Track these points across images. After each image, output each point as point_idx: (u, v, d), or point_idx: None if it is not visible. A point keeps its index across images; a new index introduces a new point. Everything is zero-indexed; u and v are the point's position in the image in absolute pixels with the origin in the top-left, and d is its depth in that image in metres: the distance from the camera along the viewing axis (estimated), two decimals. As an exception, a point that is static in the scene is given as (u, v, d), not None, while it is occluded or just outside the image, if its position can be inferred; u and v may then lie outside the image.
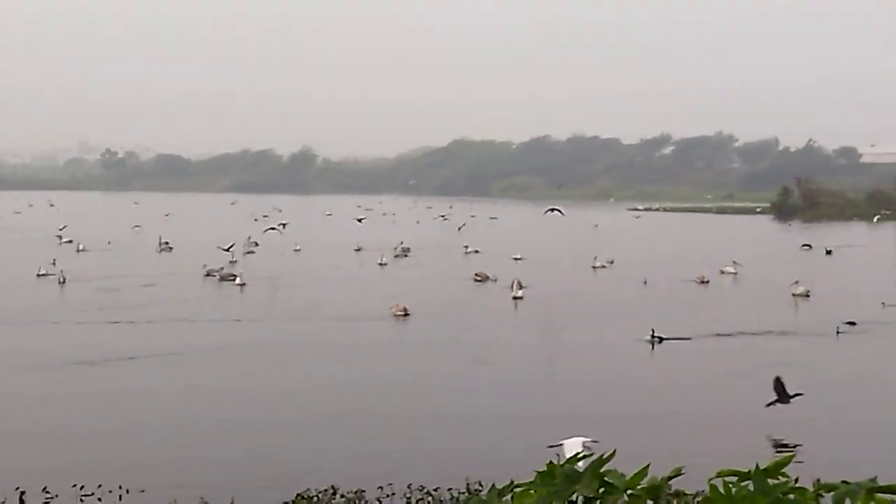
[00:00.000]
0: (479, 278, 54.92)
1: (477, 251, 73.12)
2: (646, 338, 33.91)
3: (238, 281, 50.80)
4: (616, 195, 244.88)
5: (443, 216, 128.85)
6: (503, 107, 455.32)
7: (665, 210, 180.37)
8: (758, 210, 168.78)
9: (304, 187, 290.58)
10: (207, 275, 54.85)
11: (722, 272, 59.95)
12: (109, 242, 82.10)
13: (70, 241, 77.40)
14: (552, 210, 74.41)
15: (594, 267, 62.50)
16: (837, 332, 36.58)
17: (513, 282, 49.08)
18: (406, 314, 40.89)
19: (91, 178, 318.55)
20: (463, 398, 26.63)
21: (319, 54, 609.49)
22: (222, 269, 56.18)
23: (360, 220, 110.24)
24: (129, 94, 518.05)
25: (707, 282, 54.90)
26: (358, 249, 74.08)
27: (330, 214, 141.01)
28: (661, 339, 33.80)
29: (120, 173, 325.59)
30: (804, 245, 77.35)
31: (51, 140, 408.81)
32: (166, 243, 75.00)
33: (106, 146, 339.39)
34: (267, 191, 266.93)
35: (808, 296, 48.35)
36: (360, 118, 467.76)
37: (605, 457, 3.59)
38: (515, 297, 46.47)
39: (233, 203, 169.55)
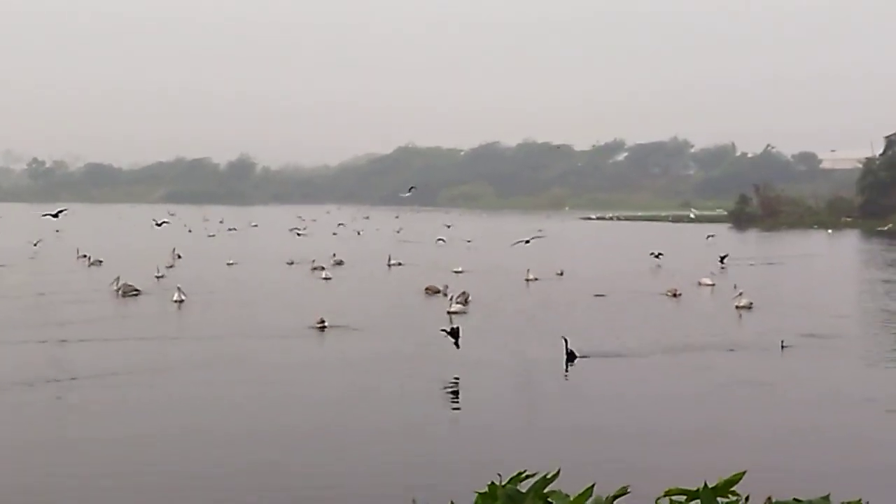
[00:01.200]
0: (430, 291, 54.52)
1: (400, 263, 73.54)
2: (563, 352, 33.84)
3: (176, 297, 50.04)
4: (569, 203, 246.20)
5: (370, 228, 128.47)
6: (450, 112, 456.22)
7: (619, 219, 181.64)
8: (689, 216, 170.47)
9: (242, 197, 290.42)
10: (118, 290, 54.17)
11: (700, 284, 60.21)
12: (35, 254, 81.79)
13: None
14: (525, 241, 73.33)
15: (527, 280, 62.41)
16: (782, 347, 36.75)
17: (451, 295, 49.03)
18: (324, 326, 41.01)
19: (17, 189, 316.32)
20: (374, 412, 26.36)
21: (257, 53, 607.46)
22: (122, 282, 55.07)
23: (298, 233, 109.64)
24: (55, 98, 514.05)
25: (679, 294, 54.50)
26: (291, 263, 73.58)
27: (256, 225, 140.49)
28: (574, 356, 33.92)
29: (47, 183, 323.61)
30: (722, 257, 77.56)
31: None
32: (98, 260, 73.75)
33: (32, 155, 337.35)
34: (204, 201, 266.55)
35: (750, 307, 48.84)
36: (301, 123, 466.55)
37: (548, 476, 3.60)
38: (451, 312, 46.15)
39: (172, 214, 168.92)
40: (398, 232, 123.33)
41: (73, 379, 30.40)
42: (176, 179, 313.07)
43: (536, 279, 62.29)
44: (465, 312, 46.63)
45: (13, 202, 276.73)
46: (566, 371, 32.40)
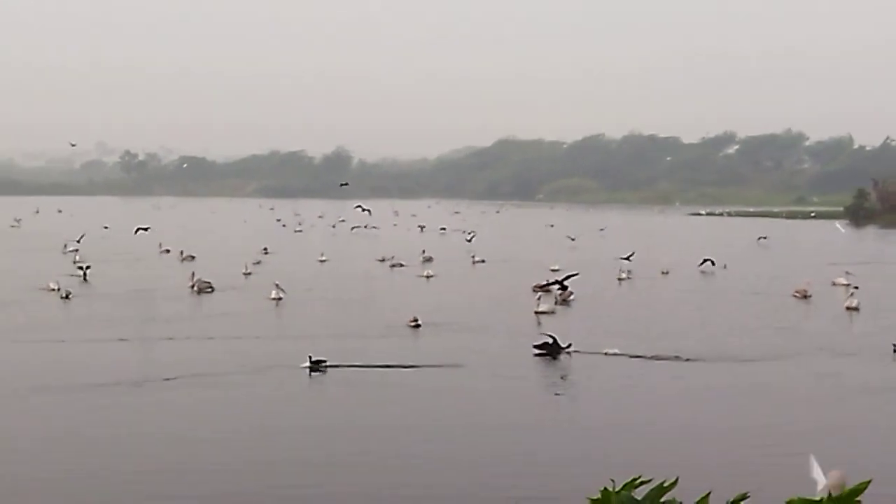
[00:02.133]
0: (537, 289, 53.70)
1: (483, 260, 73.18)
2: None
3: (275, 294, 50.32)
4: (677, 198, 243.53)
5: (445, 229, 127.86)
6: (553, 104, 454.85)
7: (730, 215, 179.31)
8: (812, 214, 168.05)
9: (338, 191, 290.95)
10: (193, 287, 54.90)
11: (834, 284, 58.89)
12: (131, 250, 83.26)
13: (76, 250, 77.50)
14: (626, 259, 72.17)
15: (620, 279, 61.89)
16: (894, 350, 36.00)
17: (538, 294, 48.73)
18: (418, 325, 41.24)
19: (109, 183, 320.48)
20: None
21: (355, 44, 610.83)
22: (198, 278, 55.76)
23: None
24: (148, 90, 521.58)
25: (809, 295, 53.11)
26: (382, 260, 73.28)
27: (343, 220, 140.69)
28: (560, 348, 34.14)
29: (140, 177, 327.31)
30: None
31: (67, 141, 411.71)
32: (190, 256, 74.75)
33: (125, 147, 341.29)
34: (298, 195, 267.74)
35: (858, 309, 48.01)
36: (398, 116, 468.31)
37: (665, 485, 3.56)
38: (539, 312, 45.86)
39: (271, 208, 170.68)
40: (501, 228, 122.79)
41: (173, 378, 30.68)
42: (270, 173, 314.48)
43: (629, 278, 61.75)
44: (553, 312, 46.39)
45: (105, 195, 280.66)
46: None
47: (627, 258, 70.22)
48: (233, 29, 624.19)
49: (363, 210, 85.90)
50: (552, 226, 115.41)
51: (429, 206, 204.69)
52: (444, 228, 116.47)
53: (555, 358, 34.24)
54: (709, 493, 3.61)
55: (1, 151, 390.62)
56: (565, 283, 47.27)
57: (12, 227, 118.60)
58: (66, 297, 49.77)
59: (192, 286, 54.59)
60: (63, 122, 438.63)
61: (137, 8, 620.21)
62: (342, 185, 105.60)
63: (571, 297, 50.86)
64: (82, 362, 33.55)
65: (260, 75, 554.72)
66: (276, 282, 51.53)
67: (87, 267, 58.33)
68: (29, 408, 27.12)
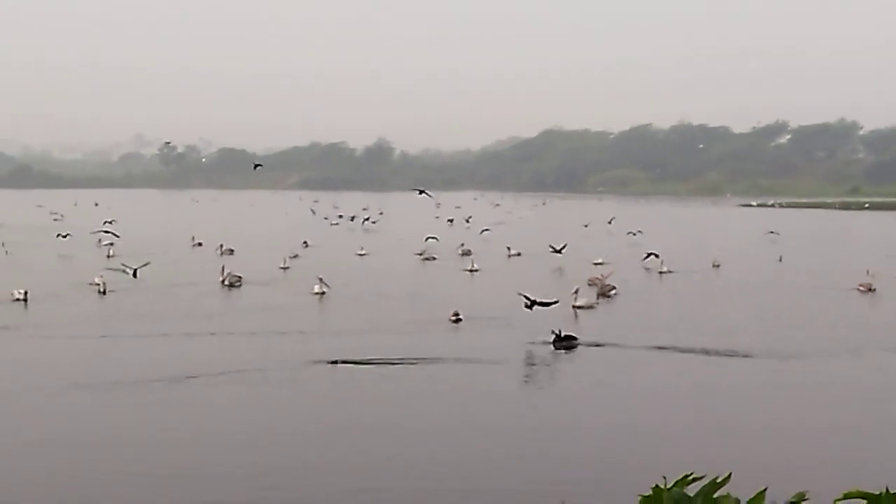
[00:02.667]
0: (591, 283, 53.04)
1: (520, 254, 73.09)
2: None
3: (318, 289, 50.22)
4: (728, 189, 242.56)
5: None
6: (599, 94, 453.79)
7: (781, 206, 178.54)
8: (866, 205, 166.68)
9: (380, 183, 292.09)
10: (223, 282, 54.88)
11: None
12: (169, 244, 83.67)
13: (111, 244, 77.80)
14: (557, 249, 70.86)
15: (661, 272, 61.26)
16: None
17: (576, 287, 48.02)
18: (459, 319, 41.16)
19: (148, 175, 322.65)
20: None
21: (395, 43, 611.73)
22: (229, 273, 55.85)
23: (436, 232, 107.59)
24: (187, 81, 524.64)
25: (873, 289, 52.06)
26: (421, 254, 72.79)
27: (381, 213, 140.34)
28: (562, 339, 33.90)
29: (179, 169, 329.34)
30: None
31: (105, 133, 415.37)
32: (230, 249, 74.96)
33: (163, 139, 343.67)
34: (339, 187, 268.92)
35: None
36: (441, 107, 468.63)
37: (718, 480, 3.56)
38: (577, 307, 45.38)
39: (316, 201, 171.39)
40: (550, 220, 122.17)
41: (216, 374, 30.49)
42: (311, 165, 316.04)
43: (671, 272, 61.10)
44: (593, 307, 45.92)
45: (143, 188, 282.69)
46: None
47: (559, 250, 69.16)
48: (271, 28, 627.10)
49: (421, 193, 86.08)
50: (612, 221, 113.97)
51: (475, 199, 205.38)
52: (469, 218, 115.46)
53: (568, 350, 33.77)
54: (764, 490, 3.55)
55: (38, 144, 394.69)
56: (540, 303, 44.58)
57: (55, 220, 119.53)
58: (103, 292, 49.73)
59: (223, 281, 54.71)
60: (101, 114, 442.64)
61: (167, 8, 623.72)
62: (256, 166, 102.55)
63: (613, 291, 50.35)
64: (120, 358, 33.44)
65: (302, 70, 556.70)
66: (320, 276, 51.45)
67: (143, 264, 58.24)
68: (65, 405, 26.97)
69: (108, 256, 68.55)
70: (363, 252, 72.80)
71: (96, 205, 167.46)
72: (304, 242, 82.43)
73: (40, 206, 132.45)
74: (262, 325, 40.51)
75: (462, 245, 75.89)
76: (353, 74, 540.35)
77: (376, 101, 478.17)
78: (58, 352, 34.73)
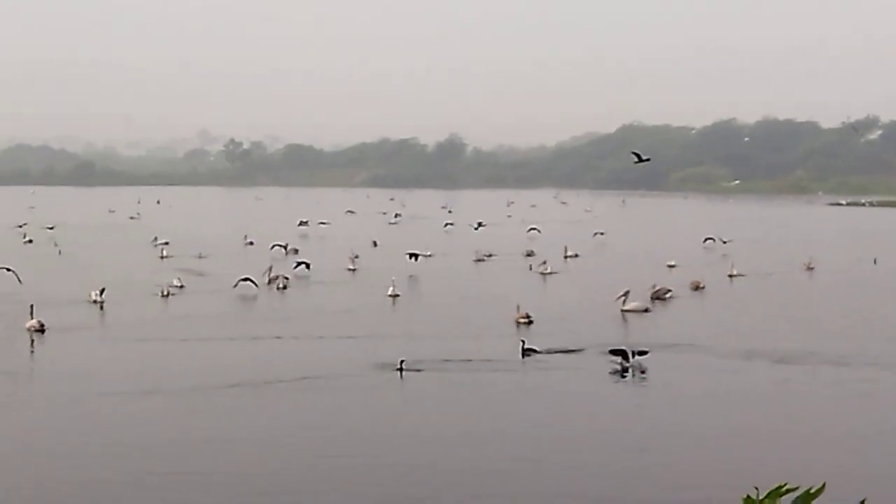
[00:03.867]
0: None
1: (577, 255, 72.30)
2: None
3: (391, 291, 50.13)
4: (816, 187, 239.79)
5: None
6: (680, 88, 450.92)
7: (873, 205, 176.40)
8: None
9: (452, 180, 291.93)
10: (269, 281, 55.18)
11: None
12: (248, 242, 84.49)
13: (166, 243, 78.51)
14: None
15: (730, 276, 60.06)
16: None
17: (625, 290, 47.07)
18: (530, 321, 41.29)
19: (212, 173, 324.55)
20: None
21: (467, 37, 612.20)
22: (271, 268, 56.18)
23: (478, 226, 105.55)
24: (254, 77, 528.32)
25: None
26: (489, 255, 72.43)
27: (451, 212, 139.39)
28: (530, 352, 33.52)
29: (244, 166, 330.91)
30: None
31: (169, 130, 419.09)
32: (294, 249, 75.51)
33: (229, 136, 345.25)
34: (409, 185, 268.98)
35: None
36: (515, 102, 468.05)
37: (812, 491, 3.52)
38: (626, 310, 45.02)
39: (392, 199, 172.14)
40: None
41: (296, 380, 30.81)
42: (381, 162, 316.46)
43: (741, 275, 60.10)
44: (645, 311, 45.33)
45: (208, 185, 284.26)
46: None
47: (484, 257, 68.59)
48: (339, 27, 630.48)
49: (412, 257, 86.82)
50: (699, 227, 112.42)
51: (555, 196, 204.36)
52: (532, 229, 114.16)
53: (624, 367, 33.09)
54: (863, 502, 3.73)
55: (103, 141, 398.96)
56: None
57: (132, 218, 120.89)
58: (166, 294, 49.73)
59: (269, 281, 55.04)
60: (166, 111, 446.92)
61: (233, 6, 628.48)
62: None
63: (668, 294, 49.70)
64: (189, 363, 33.82)
65: (370, 67, 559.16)
66: (393, 277, 51.57)
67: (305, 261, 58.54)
68: (135, 409, 27.27)
69: (162, 257, 69.19)
70: (429, 253, 72.49)
71: (157, 202, 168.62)
72: (374, 242, 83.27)
73: (112, 212, 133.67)
74: (335, 328, 40.58)
75: (528, 247, 75.25)
76: (425, 71, 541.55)
77: (448, 96, 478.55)
78: (130, 355, 35.15)
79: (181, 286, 52.38)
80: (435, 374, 31.52)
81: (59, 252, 72.86)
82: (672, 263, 64.69)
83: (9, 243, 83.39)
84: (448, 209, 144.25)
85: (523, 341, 35.01)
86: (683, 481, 21.21)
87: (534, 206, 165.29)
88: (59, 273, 61.08)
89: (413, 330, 40.56)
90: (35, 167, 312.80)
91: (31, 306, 40.20)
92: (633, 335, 39.54)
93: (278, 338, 38.49)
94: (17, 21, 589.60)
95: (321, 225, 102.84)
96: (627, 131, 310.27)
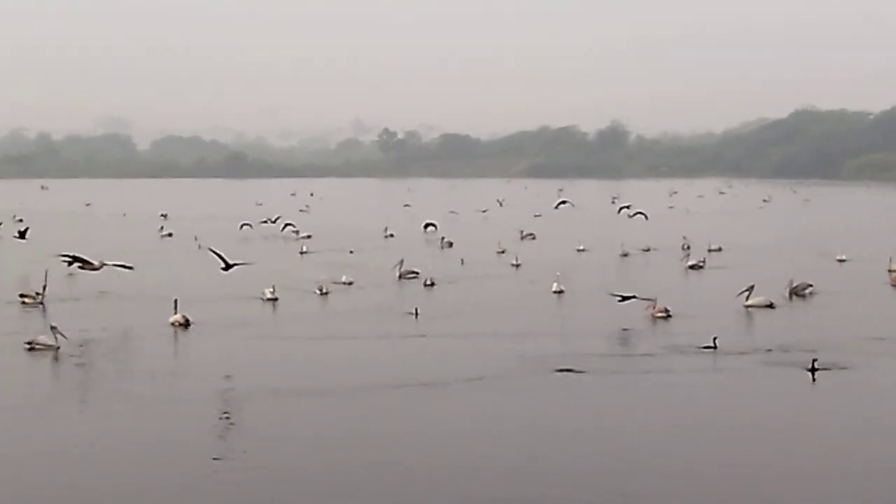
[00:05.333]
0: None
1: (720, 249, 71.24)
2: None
3: (556, 287, 49.47)
4: None
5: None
6: (856, 70, 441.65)
7: None
8: None
9: (614, 170, 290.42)
10: (399, 276, 55.29)
11: None
12: (390, 234, 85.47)
13: (308, 237, 79.70)
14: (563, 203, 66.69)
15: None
16: None
17: (749, 285, 45.58)
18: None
19: (365, 163, 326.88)
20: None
21: (627, 15, 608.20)
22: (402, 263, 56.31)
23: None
24: (409, 65, 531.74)
25: None
26: (647, 249, 71.39)
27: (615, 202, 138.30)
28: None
29: (399, 157, 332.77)
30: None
31: (322, 120, 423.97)
32: (449, 242, 76.06)
33: (383, 125, 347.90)
34: (570, 174, 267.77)
35: None
36: (680, 87, 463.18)
37: None
38: (748, 305, 44.33)
39: (561, 189, 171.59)
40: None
41: (470, 380, 30.57)
42: (540, 151, 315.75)
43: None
44: (769, 306, 44.37)
45: (361, 177, 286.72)
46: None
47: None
48: (495, 7, 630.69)
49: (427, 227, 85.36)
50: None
51: (730, 187, 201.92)
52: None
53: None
54: None
55: (255, 131, 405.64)
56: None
57: (301, 211, 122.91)
58: (325, 292, 49.45)
59: (399, 276, 55.22)
60: (319, 101, 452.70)
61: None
62: None
63: (808, 290, 48.42)
64: (334, 361, 33.78)
65: (527, 50, 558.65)
66: (558, 272, 51.16)
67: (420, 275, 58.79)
68: (282, 408, 27.35)
69: (301, 253, 70.05)
70: (582, 248, 72.01)
71: (295, 194, 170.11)
72: (532, 235, 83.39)
73: (259, 205, 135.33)
74: (501, 325, 40.27)
75: (685, 238, 74.03)
76: (584, 52, 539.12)
77: (609, 80, 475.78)
78: (280, 352, 35.25)
79: (350, 282, 52.59)
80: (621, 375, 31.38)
81: (199, 246, 73.95)
82: (842, 258, 63.20)
83: (146, 237, 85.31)
84: (614, 200, 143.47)
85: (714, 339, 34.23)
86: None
87: (701, 196, 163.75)
88: (198, 267, 61.83)
89: (582, 327, 40.08)
90: (185, 159, 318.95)
91: (175, 301, 40.43)
92: (752, 331, 39.51)
93: (442, 336, 38.25)
94: (166, 12, 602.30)
95: (481, 212, 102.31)
96: (800, 116, 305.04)
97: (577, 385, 29.90)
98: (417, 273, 55.73)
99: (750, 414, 26.58)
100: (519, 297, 48.80)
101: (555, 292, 49.01)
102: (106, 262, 46.96)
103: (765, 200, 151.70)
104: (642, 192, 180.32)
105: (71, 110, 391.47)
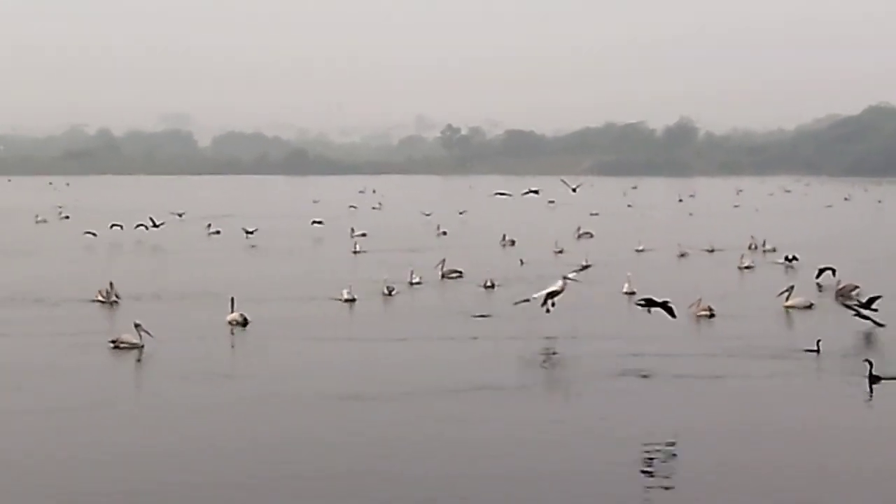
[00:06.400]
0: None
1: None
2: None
3: (626, 288, 49.43)
4: None
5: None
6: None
7: None
8: None
9: (682, 167, 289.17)
10: (442, 276, 55.77)
11: None
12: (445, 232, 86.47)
13: (363, 234, 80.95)
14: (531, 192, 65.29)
15: None
16: None
17: (789, 286, 46.56)
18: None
19: (428, 160, 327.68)
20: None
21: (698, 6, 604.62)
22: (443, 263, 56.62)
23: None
24: (473, 59, 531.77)
25: None
26: (711, 250, 71.52)
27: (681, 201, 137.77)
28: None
29: (462, 153, 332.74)
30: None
31: (385, 116, 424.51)
32: (511, 241, 76.29)
33: (447, 122, 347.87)
34: (637, 172, 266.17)
35: None
36: (752, 83, 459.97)
37: None
38: (788, 307, 44.75)
39: (635, 187, 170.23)
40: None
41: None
42: (606, 148, 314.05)
43: None
44: (808, 307, 44.90)
45: (424, 174, 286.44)
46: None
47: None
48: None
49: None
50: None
51: (806, 184, 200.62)
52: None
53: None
54: None
55: (316, 127, 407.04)
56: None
57: (374, 209, 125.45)
58: (390, 293, 49.38)
59: (442, 275, 55.63)
60: (382, 96, 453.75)
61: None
62: None
63: (855, 291, 47.88)
64: (402, 364, 33.84)
65: (591, 42, 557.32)
66: (629, 273, 51.31)
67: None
68: (342, 412, 27.62)
69: (355, 252, 70.90)
70: (641, 248, 71.95)
71: (373, 192, 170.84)
72: (589, 233, 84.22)
73: (316, 202, 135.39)
74: (564, 327, 39.96)
75: (752, 237, 74.18)
76: (651, 46, 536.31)
77: (676, 74, 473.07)
78: (341, 354, 35.66)
79: (417, 282, 53.14)
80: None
81: (217, 232, 74.82)
82: None
83: (195, 234, 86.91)
84: (681, 199, 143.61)
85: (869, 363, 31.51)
86: None
87: (771, 194, 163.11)
88: (251, 266, 62.96)
89: (648, 329, 39.22)
90: (247, 156, 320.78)
91: (232, 299, 40.97)
92: (789, 331, 40.43)
93: (505, 338, 38.39)
94: (227, 9, 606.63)
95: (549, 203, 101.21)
96: (874, 113, 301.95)
97: (641, 388, 30.19)
98: (461, 273, 56.26)
99: (803, 418, 27.02)
100: (587, 298, 47.09)
101: (625, 293, 48.88)
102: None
103: (845, 199, 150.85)
104: (709, 189, 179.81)
105: (132, 107, 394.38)
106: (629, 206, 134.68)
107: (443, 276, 55.99)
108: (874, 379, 30.24)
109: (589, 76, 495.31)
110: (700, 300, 43.09)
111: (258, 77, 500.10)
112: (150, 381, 32.06)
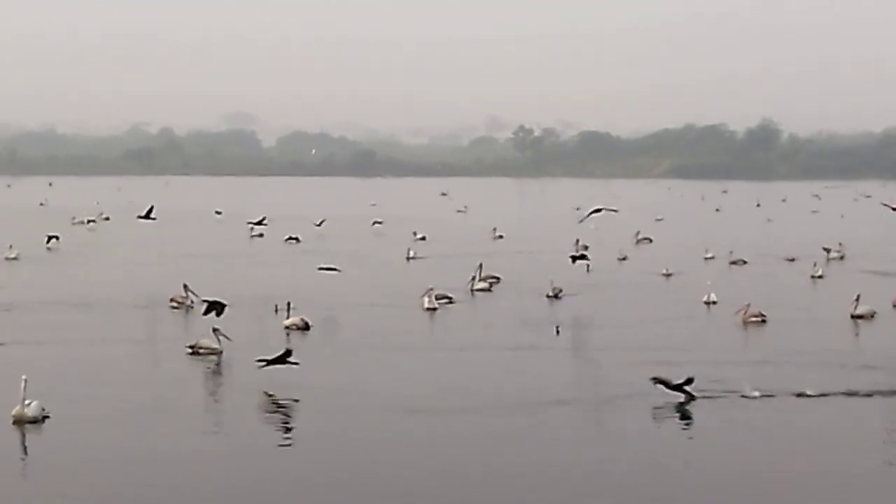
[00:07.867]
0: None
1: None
2: None
3: (706, 298, 49.04)
4: None
5: None
6: None
7: None
8: None
9: (764, 171, 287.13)
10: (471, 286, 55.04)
11: None
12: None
13: (422, 238, 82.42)
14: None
15: None
16: None
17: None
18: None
19: (500, 162, 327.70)
20: None
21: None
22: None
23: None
24: (544, 60, 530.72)
25: None
26: (792, 259, 71.06)
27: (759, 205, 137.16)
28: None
29: (535, 155, 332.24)
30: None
31: (455, 116, 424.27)
32: (584, 246, 76.06)
33: (519, 122, 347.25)
34: (716, 175, 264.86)
35: None
36: (835, 83, 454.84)
37: None
38: (856, 315, 44.66)
39: (724, 191, 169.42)
40: None
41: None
42: (684, 150, 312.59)
43: None
44: (872, 315, 44.77)
45: (495, 176, 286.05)
46: None
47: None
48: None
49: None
50: None
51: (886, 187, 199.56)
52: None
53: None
54: None
55: (385, 128, 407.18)
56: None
57: (459, 211, 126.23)
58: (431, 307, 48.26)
59: (472, 288, 54.41)
60: (453, 96, 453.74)
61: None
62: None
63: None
64: (459, 378, 33.61)
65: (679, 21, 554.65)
66: (709, 282, 51.11)
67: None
68: (398, 429, 27.38)
69: (408, 258, 71.04)
70: (709, 255, 70.87)
71: (443, 194, 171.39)
72: (648, 239, 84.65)
73: (373, 205, 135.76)
74: (637, 340, 40.08)
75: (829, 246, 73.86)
76: (733, 46, 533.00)
77: (759, 74, 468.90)
78: (401, 365, 35.61)
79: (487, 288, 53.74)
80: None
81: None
82: None
83: (238, 237, 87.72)
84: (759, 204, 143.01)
85: None
86: None
87: (856, 199, 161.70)
88: (297, 270, 63.01)
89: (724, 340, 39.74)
90: (312, 157, 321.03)
91: (288, 304, 41.54)
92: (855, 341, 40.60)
93: (577, 350, 38.87)
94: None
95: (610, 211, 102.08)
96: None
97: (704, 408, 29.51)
98: (499, 278, 56.14)
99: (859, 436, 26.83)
100: (665, 307, 48.51)
101: (706, 303, 48.73)
102: None
103: (867, 196, 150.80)
104: (788, 195, 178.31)
105: (194, 104, 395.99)
106: (717, 209, 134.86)
107: (472, 290, 54.02)
108: None
109: (667, 75, 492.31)
110: (748, 305, 43.16)
111: (323, 75, 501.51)
112: (230, 387, 32.43)
